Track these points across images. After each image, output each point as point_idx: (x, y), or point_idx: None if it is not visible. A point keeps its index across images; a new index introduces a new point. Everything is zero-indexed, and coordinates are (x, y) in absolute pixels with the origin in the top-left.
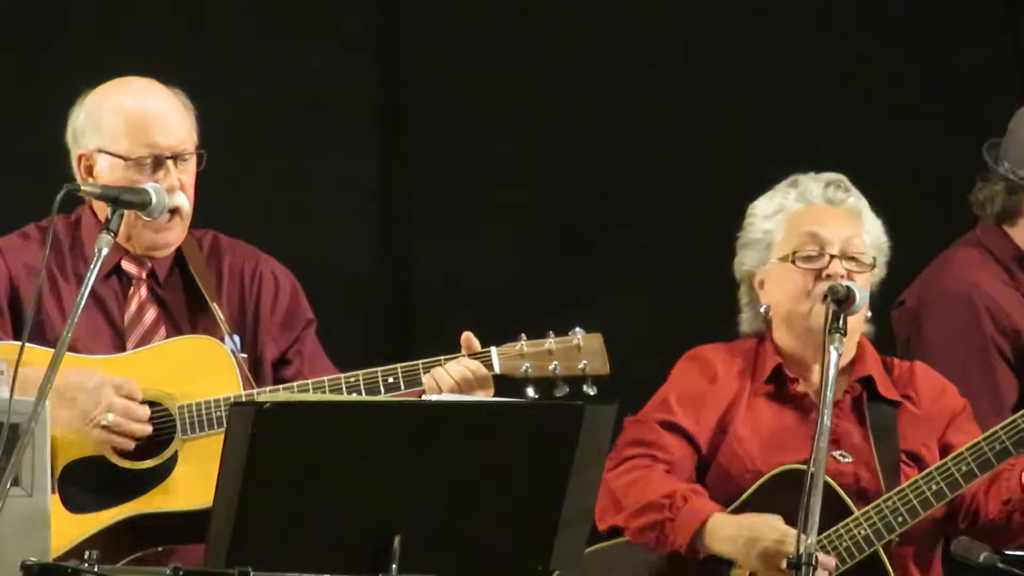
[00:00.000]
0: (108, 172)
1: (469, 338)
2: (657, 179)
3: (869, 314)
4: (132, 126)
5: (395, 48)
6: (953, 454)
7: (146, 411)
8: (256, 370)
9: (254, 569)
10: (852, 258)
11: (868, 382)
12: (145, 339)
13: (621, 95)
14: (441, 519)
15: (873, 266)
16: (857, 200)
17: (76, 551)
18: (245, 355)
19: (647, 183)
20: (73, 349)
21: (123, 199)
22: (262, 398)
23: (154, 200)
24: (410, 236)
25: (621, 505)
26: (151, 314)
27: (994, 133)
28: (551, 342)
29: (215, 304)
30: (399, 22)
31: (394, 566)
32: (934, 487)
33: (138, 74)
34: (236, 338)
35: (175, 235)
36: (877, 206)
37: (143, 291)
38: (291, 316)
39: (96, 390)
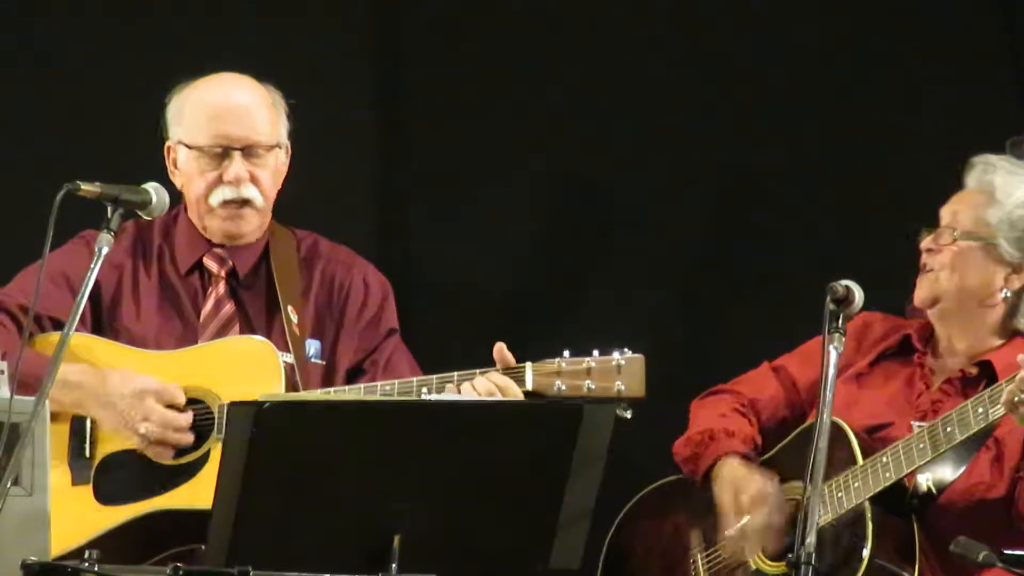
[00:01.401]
0: (184, 163)
1: (502, 350)
2: (660, 179)
3: (1007, 295)
4: (206, 117)
5: (395, 45)
6: (943, 415)
7: (187, 419)
8: (330, 377)
9: (253, 568)
10: (941, 234)
11: (989, 367)
12: (219, 335)
13: (623, 93)
14: (441, 518)
15: (961, 238)
16: (991, 179)
17: (99, 542)
18: (323, 362)
19: (649, 183)
20: (143, 344)
21: (123, 199)
22: (262, 397)
23: (154, 200)
24: (409, 236)
25: (687, 429)
26: (226, 312)
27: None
28: (590, 361)
29: (289, 308)
30: (398, 15)
31: (394, 566)
32: (921, 445)
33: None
34: (316, 343)
35: (249, 226)
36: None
37: (221, 288)
38: (373, 325)
39: (137, 397)
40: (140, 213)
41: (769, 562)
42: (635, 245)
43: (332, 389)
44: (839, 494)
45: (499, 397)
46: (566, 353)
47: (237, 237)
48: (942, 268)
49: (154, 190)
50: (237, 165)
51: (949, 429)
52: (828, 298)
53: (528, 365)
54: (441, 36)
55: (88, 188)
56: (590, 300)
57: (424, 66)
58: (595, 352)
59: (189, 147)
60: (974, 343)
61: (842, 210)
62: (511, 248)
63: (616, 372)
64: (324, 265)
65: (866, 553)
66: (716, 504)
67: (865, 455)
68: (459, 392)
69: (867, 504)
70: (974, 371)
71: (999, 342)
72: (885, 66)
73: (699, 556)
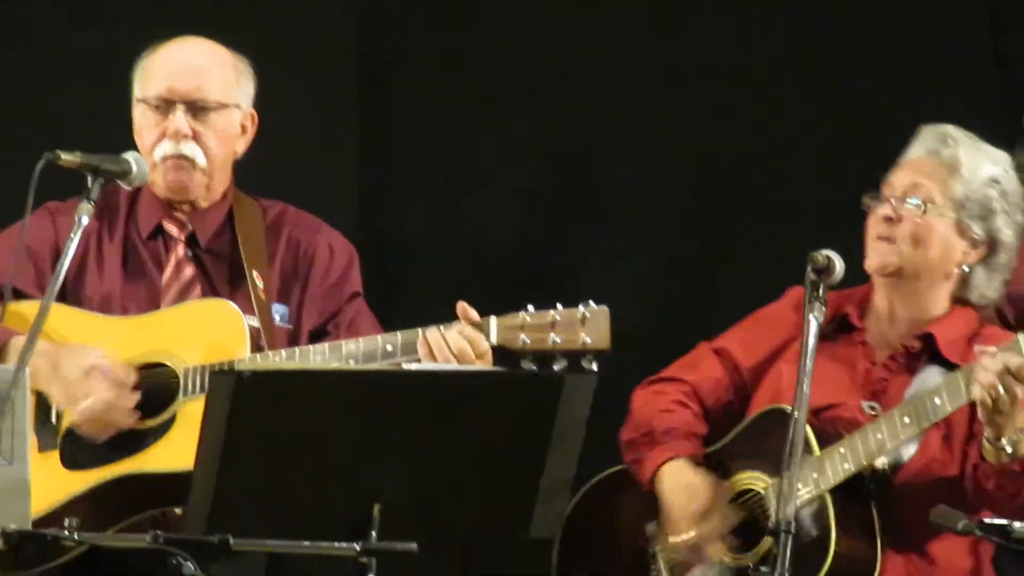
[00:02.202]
0: (136, 119)
1: (465, 309)
2: (652, 144)
3: (965, 268)
4: (157, 73)
5: (380, 5)
6: (899, 406)
7: (133, 399)
8: (295, 341)
9: (234, 537)
10: (904, 203)
11: (931, 340)
12: (180, 300)
13: (616, 57)
14: (421, 488)
15: (931, 211)
16: (955, 153)
17: (67, 508)
18: (290, 326)
19: (639, 148)
20: (108, 309)
21: (103, 168)
22: (241, 366)
23: (134, 169)
24: (392, 199)
25: (628, 426)
26: (187, 276)
27: None
28: (555, 314)
29: (254, 272)
30: None
31: (374, 534)
32: (878, 436)
33: None
34: (283, 308)
35: (191, 181)
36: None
37: (180, 251)
38: (337, 288)
39: (84, 373)
40: (121, 183)
41: (730, 554)
42: (628, 210)
43: (297, 349)
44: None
45: (469, 352)
46: (530, 307)
47: (180, 192)
48: (905, 239)
49: (134, 159)
50: (179, 119)
51: (908, 421)
52: (809, 268)
53: (492, 319)
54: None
55: (68, 158)
56: (578, 264)
57: (410, 28)
58: (559, 305)
59: (139, 102)
60: (917, 314)
61: (828, 180)
62: (499, 210)
63: (581, 324)
64: (290, 231)
65: (831, 545)
66: (665, 509)
67: (820, 442)
68: (428, 345)
69: (827, 493)
70: (917, 345)
71: (940, 312)
72: (869, 49)
73: (658, 551)
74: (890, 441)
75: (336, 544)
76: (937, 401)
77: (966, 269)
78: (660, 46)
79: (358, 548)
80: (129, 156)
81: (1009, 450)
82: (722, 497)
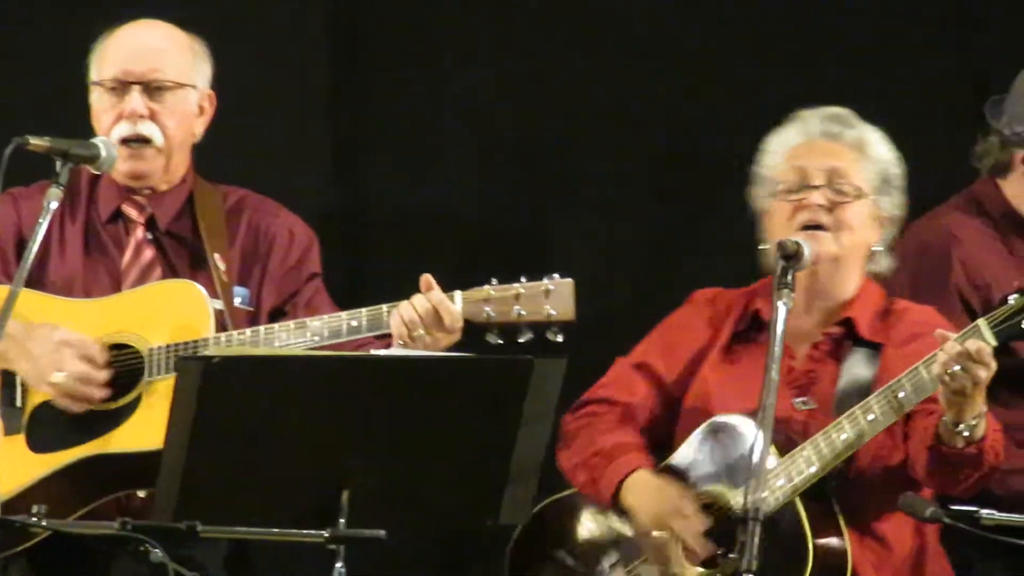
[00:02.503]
0: (93, 102)
1: (429, 281)
2: (618, 119)
3: (879, 247)
4: (112, 55)
5: None
6: (861, 404)
7: (104, 375)
8: (256, 322)
9: (202, 523)
10: (837, 189)
11: (851, 324)
12: (140, 283)
13: (586, 26)
14: (390, 473)
15: (860, 196)
16: (859, 134)
17: (34, 490)
18: (252, 308)
19: (606, 123)
20: (70, 291)
21: (72, 153)
22: (210, 351)
23: (103, 154)
24: (365, 175)
25: (569, 450)
26: (147, 258)
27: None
28: (519, 287)
29: (216, 256)
30: None
31: (342, 520)
32: (843, 437)
33: None
34: (244, 291)
35: (149, 166)
36: None
37: (139, 234)
38: (296, 270)
39: (55, 348)
40: (90, 167)
41: (698, 568)
42: (596, 184)
43: (262, 328)
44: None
45: (433, 315)
46: (494, 280)
47: (139, 177)
48: (841, 226)
49: (103, 144)
50: (134, 100)
51: (872, 418)
52: (779, 254)
53: (457, 293)
54: None
55: (37, 142)
56: (544, 239)
57: (380, 12)
58: (523, 279)
59: (94, 84)
60: (834, 299)
61: None
62: (470, 185)
63: (545, 297)
64: (251, 215)
65: (809, 547)
66: (633, 522)
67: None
68: (399, 317)
69: (796, 499)
70: (838, 331)
71: (852, 294)
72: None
73: (621, 571)
74: (857, 441)
75: (304, 531)
76: (902, 395)
77: (879, 248)
78: (627, 18)
79: (326, 535)
80: (98, 141)
81: (966, 435)
82: (692, 498)
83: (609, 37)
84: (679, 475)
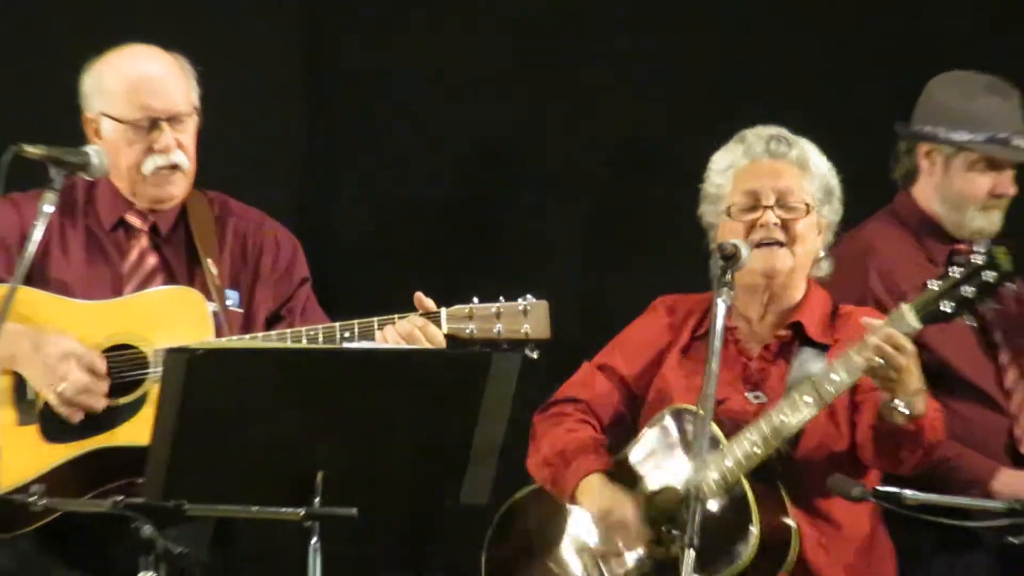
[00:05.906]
0: (111, 134)
1: (421, 298)
2: (564, 133)
3: (823, 254)
4: (129, 90)
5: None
6: (797, 387)
7: (104, 386)
8: (248, 325)
9: (188, 502)
10: (787, 207)
11: (800, 327)
12: (142, 288)
13: (529, 52)
14: (360, 457)
15: (809, 211)
16: (800, 152)
17: (46, 478)
18: (242, 310)
19: (571, 117)
20: (72, 293)
21: (65, 160)
22: (194, 344)
23: (94, 162)
24: (331, 194)
25: (535, 448)
26: (150, 264)
27: None
28: (499, 306)
29: (209, 260)
30: None
31: (317, 499)
32: (782, 419)
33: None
34: (235, 294)
35: (178, 189)
36: None
37: (144, 242)
38: (287, 275)
39: (61, 359)
40: (82, 174)
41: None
42: (554, 200)
43: (260, 334)
44: (715, 476)
45: (419, 336)
46: (475, 300)
47: (166, 201)
48: (794, 241)
49: (94, 152)
50: (167, 135)
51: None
52: (717, 255)
53: (442, 310)
54: None
55: (32, 150)
56: (503, 255)
57: (347, 29)
58: (501, 299)
59: (117, 120)
60: (785, 305)
61: None
62: (424, 207)
63: (523, 315)
64: (236, 223)
65: (756, 524)
66: (593, 519)
67: (723, 433)
68: (383, 334)
69: (743, 478)
70: (787, 335)
71: (799, 298)
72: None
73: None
74: (795, 421)
75: (282, 509)
76: (835, 377)
77: (822, 254)
78: (590, 21)
79: (302, 513)
80: (89, 149)
81: (906, 412)
82: (638, 505)
83: (570, 40)
84: (631, 466)
